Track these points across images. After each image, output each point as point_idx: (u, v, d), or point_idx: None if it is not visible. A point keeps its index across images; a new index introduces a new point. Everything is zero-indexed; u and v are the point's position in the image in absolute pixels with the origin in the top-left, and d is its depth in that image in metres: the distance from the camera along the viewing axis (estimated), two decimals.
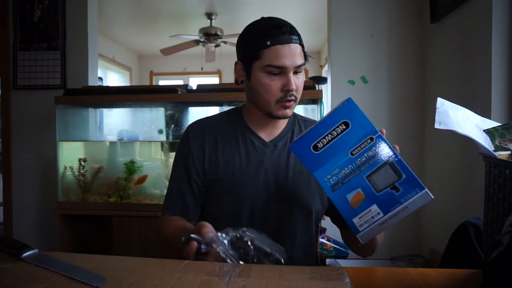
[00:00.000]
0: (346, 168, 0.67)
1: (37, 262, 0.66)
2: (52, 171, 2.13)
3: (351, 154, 0.67)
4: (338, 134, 0.67)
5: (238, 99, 1.85)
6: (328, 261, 2.04)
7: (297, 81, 0.93)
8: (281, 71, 0.90)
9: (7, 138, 2.41)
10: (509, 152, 0.81)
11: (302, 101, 1.96)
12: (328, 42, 2.29)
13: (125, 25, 4.96)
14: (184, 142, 1.02)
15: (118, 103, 2.14)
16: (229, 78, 6.71)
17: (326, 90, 2.37)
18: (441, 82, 1.92)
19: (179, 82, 6.76)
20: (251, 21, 0.97)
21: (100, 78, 5.01)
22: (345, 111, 0.67)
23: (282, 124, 1.02)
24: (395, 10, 2.15)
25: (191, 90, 2.07)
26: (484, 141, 0.85)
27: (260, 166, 0.96)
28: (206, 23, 4.46)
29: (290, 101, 0.92)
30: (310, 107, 2.03)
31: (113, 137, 2.31)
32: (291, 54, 0.89)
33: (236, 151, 0.98)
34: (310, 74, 6.32)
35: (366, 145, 0.67)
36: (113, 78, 5.92)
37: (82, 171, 2.07)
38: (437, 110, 0.85)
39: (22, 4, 2.34)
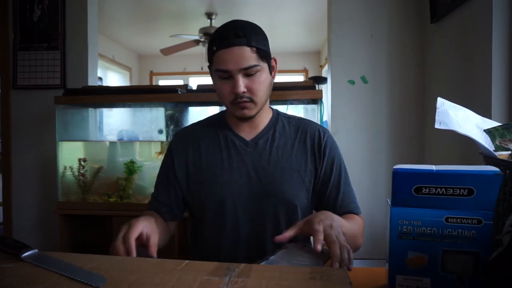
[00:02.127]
0: (429, 228, 0.59)
1: (37, 262, 0.66)
2: (52, 171, 2.13)
3: (446, 220, 0.58)
4: (451, 194, 0.57)
5: None
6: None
7: (250, 83, 0.92)
8: (229, 74, 0.91)
9: (7, 138, 2.41)
10: (509, 152, 0.81)
11: (302, 101, 1.96)
12: (328, 42, 2.29)
13: (125, 25, 4.96)
14: (168, 150, 1.07)
15: (118, 103, 2.14)
16: None
17: (326, 90, 2.37)
18: (441, 82, 1.92)
19: (179, 82, 6.76)
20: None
21: (100, 78, 5.01)
22: (483, 180, 0.56)
23: (262, 122, 1.03)
24: (395, 10, 2.15)
25: (191, 90, 2.07)
26: (484, 141, 0.85)
27: (241, 165, 0.99)
28: (206, 23, 4.46)
29: (243, 102, 0.93)
30: (310, 107, 2.03)
31: (113, 137, 2.31)
32: (234, 57, 0.89)
33: (218, 152, 1.01)
34: (310, 74, 6.33)
35: (468, 224, 0.57)
36: (113, 78, 5.92)
37: (82, 171, 2.07)
38: (437, 110, 0.85)
39: (22, 4, 2.34)
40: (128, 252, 0.75)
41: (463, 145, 1.63)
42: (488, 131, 0.85)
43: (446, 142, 1.83)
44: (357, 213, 1.01)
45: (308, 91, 1.87)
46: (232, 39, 0.89)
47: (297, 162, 1.00)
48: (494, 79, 1.40)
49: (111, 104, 2.19)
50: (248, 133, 1.02)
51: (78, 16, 2.35)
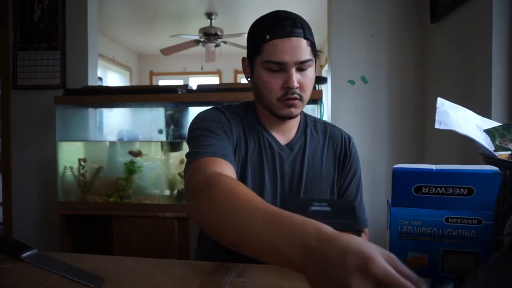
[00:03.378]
0: (429, 228, 0.58)
1: (37, 262, 0.66)
2: (52, 171, 2.13)
3: (446, 220, 0.58)
4: (451, 194, 0.57)
5: (238, 99, 1.85)
6: None
7: (302, 78, 0.86)
8: (282, 67, 0.84)
9: (7, 138, 2.41)
10: (509, 152, 0.81)
11: None
12: (328, 42, 2.29)
13: (125, 25, 4.96)
14: (220, 113, 0.93)
15: (118, 103, 2.14)
16: (229, 78, 6.71)
17: (326, 90, 2.37)
18: (441, 82, 1.91)
19: (179, 82, 6.76)
20: (251, 21, 0.94)
21: (100, 78, 5.01)
22: (483, 179, 0.56)
23: (295, 125, 0.98)
24: (395, 10, 2.15)
25: (191, 90, 2.07)
26: (484, 141, 0.85)
27: (277, 171, 0.93)
28: (206, 23, 4.46)
29: (293, 99, 0.86)
30: (310, 107, 2.03)
31: (113, 137, 2.31)
32: (292, 48, 0.82)
33: (260, 152, 0.93)
34: None
35: (468, 224, 0.57)
36: (113, 78, 5.92)
37: (82, 171, 2.07)
38: (437, 110, 0.85)
39: (22, 4, 2.34)
40: None
41: (463, 145, 1.63)
42: (488, 131, 0.85)
43: (446, 142, 1.83)
44: (364, 227, 0.96)
45: None
46: (290, 29, 0.82)
47: (327, 172, 0.96)
48: (494, 79, 1.39)
49: (111, 104, 2.20)
50: (282, 136, 0.96)
51: (78, 16, 2.34)
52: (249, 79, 0.94)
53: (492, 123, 0.88)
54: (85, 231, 2.17)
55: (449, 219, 0.58)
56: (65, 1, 2.33)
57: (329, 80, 2.28)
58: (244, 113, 0.96)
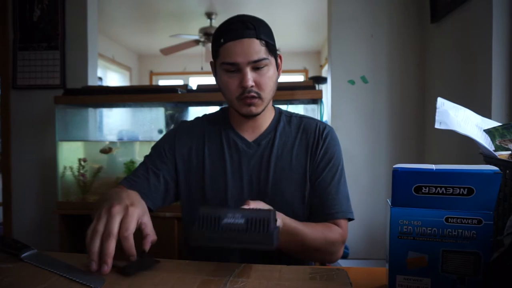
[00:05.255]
0: (429, 228, 0.58)
1: (37, 262, 0.66)
2: (52, 171, 2.13)
3: (446, 220, 0.58)
4: (451, 194, 0.57)
5: None
6: None
7: (258, 77, 0.89)
8: (236, 67, 0.88)
9: (7, 138, 2.40)
10: (509, 152, 0.81)
11: (302, 101, 1.96)
12: (328, 42, 2.29)
13: (125, 25, 4.96)
14: (170, 137, 1.02)
15: (118, 103, 2.14)
16: None
17: (326, 90, 2.37)
18: (441, 82, 1.91)
19: (179, 82, 6.76)
20: None
21: (100, 78, 5.01)
22: (482, 179, 0.56)
23: (265, 121, 1.00)
24: (395, 10, 2.15)
25: (191, 90, 2.07)
26: (484, 141, 0.84)
27: (243, 167, 0.97)
28: (206, 23, 4.46)
29: (250, 97, 0.89)
30: (310, 107, 2.03)
31: (113, 137, 2.31)
32: (244, 49, 0.86)
33: (220, 153, 0.99)
34: (310, 74, 6.33)
35: (468, 224, 0.57)
36: (113, 78, 5.92)
37: (81, 171, 2.06)
38: (437, 110, 0.85)
39: (22, 4, 2.34)
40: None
41: (463, 145, 1.63)
42: (488, 131, 0.85)
43: (446, 142, 1.83)
44: (338, 218, 0.94)
45: (308, 91, 1.87)
46: (241, 31, 0.87)
47: (298, 163, 0.97)
48: (494, 79, 1.40)
49: (111, 104, 2.19)
50: (250, 134, 1.00)
51: (78, 16, 2.35)
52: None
53: (492, 123, 0.88)
54: (85, 231, 2.17)
55: (449, 219, 0.58)
56: (65, 1, 2.33)
57: (329, 80, 2.28)
58: (213, 121, 1.04)
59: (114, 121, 2.42)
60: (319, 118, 1.90)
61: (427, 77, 2.11)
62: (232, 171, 0.97)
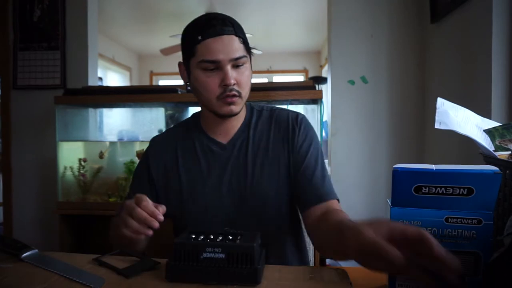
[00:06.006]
0: (429, 228, 0.58)
1: (37, 262, 0.66)
2: (52, 171, 2.13)
3: (446, 220, 0.58)
4: (451, 194, 0.57)
5: None
6: (328, 261, 2.04)
7: (238, 75, 0.86)
8: (217, 65, 0.85)
9: (7, 138, 2.41)
10: (509, 152, 0.81)
11: (302, 101, 1.96)
12: (328, 42, 2.29)
13: (125, 25, 4.96)
14: (144, 155, 1.01)
15: (118, 103, 2.14)
16: None
17: (326, 90, 2.37)
18: (441, 82, 1.91)
19: (179, 82, 6.76)
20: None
21: (100, 78, 5.01)
22: (482, 179, 0.56)
23: (238, 121, 0.97)
24: (395, 10, 2.15)
25: (191, 90, 2.07)
26: (484, 141, 0.85)
27: (220, 171, 0.93)
28: None
29: (231, 96, 0.86)
30: (310, 107, 2.03)
31: (113, 137, 2.31)
32: (224, 46, 0.84)
33: (195, 160, 0.95)
34: (310, 74, 6.33)
35: (468, 224, 0.57)
36: (113, 78, 5.92)
37: (82, 171, 2.07)
38: (437, 110, 0.85)
39: (22, 4, 2.34)
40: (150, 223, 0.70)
41: (463, 145, 1.63)
42: (488, 131, 0.85)
43: (446, 142, 1.83)
44: (333, 199, 0.90)
45: (308, 91, 1.88)
46: (221, 28, 0.84)
47: (275, 156, 0.94)
48: (494, 79, 1.40)
49: (111, 104, 2.19)
50: (224, 136, 0.96)
51: (78, 16, 2.35)
52: (188, 83, 0.95)
53: (492, 123, 0.88)
54: (85, 231, 2.17)
55: (449, 219, 0.58)
56: (65, 1, 2.33)
57: (329, 80, 2.28)
58: (184, 129, 1.00)
59: (114, 121, 2.42)
60: (319, 118, 1.90)
61: (427, 77, 2.11)
62: (209, 178, 0.93)
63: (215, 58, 0.84)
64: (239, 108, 0.90)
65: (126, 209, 0.73)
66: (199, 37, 0.84)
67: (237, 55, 0.85)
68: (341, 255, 0.68)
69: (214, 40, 0.84)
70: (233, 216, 0.92)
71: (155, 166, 0.97)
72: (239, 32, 0.87)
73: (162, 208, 0.72)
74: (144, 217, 0.70)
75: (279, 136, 0.95)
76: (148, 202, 0.72)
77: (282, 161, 0.94)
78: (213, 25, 0.84)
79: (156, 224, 0.69)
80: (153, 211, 0.70)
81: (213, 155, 0.95)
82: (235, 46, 0.85)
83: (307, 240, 1.14)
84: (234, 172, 0.93)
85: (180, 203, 0.94)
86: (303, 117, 0.98)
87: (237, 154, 0.94)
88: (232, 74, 0.85)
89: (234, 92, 0.86)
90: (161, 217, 0.70)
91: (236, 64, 0.86)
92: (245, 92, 0.89)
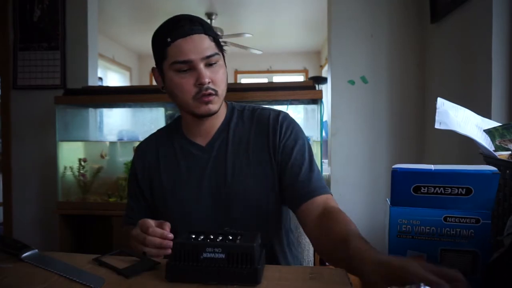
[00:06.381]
0: (428, 227, 0.59)
1: (37, 262, 0.66)
2: (52, 171, 2.13)
3: (445, 219, 0.58)
4: (450, 193, 0.58)
5: (238, 99, 1.85)
6: None
7: (212, 74, 0.86)
8: (189, 65, 0.84)
9: (7, 138, 2.41)
10: (509, 152, 0.81)
11: (302, 101, 1.96)
12: (328, 42, 2.29)
13: (125, 25, 4.96)
14: (132, 164, 1.03)
15: (118, 103, 2.14)
16: (229, 78, 6.70)
17: (326, 90, 2.37)
18: (441, 82, 1.91)
19: None
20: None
21: (100, 78, 5.01)
22: (481, 179, 0.56)
23: (217, 122, 0.95)
24: (395, 10, 2.15)
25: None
26: (484, 141, 0.85)
27: (201, 174, 0.92)
28: None
29: (208, 95, 0.85)
30: (310, 107, 2.03)
31: (113, 137, 2.31)
32: (195, 45, 0.83)
33: (176, 165, 0.95)
34: (310, 74, 6.33)
35: (467, 223, 0.57)
36: (113, 78, 5.92)
37: (82, 171, 2.06)
38: (437, 110, 0.85)
39: (22, 4, 2.34)
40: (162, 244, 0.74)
41: (463, 145, 1.62)
42: (488, 131, 0.85)
43: (446, 142, 1.83)
44: (324, 193, 0.86)
45: (308, 91, 1.87)
46: (189, 28, 0.84)
47: (256, 156, 0.91)
48: (494, 79, 1.39)
49: (111, 104, 2.19)
50: (203, 138, 0.95)
51: (78, 16, 2.34)
52: (163, 88, 0.93)
53: (492, 123, 0.88)
54: (85, 231, 2.17)
55: (448, 219, 0.58)
56: (65, 1, 2.33)
57: (329, 80, 2.28)
58: (165, 133, 1.01)
59: (114, 121, 2.42)
60: (319, 118, 1.90)
61: (427, 77, 2.11)
62: (189, 181, 0.93)
63: (186, 58, 0.83)
64: (217, 107, 0.89)
65: (137, 239, 0.76)
66: (169, 39, 0.84)
67: (209, 53, 0.84)
68: (348, 268, 0.65)
69: (184, 41, 0.83)
70: (215, 218, 0.91)
71: (140, 171, 0.99)
72: (208, 31, 0.86)
73: (167, 225, 0.75)
74: (159, 243, 0.74)
75: (260, 137, 0.93)
76: (153, 227, 0.75)
77: (264, 161, 0.91)
78: (181, 25, 0.84)
79: (170, 244, 0.72)
80: (162, 233, 0.74)
81: (193, 158, 0.94)
82: (206, 45, 0.84)
83: (305, 240, 1.14)
84: (213, 174, 0.92)
85: (165, 207, 0.95)
86: (285, 114, 0.96)
87: (216, 155, 0.93)
88: (206, 73, 0.84)
89: (210, 91, 0.85)
90: (171, 235, 0.73)
91: (209, 62, 0.85)
92: (221, 90, 0.88)
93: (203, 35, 0.85)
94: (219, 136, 0.94)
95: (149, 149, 1.00)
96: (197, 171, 0.93)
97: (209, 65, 0.86)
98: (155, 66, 0.93)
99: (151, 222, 0.76)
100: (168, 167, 0.96)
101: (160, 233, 0.73)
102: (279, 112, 0.97)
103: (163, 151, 0.98)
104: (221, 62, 0.89)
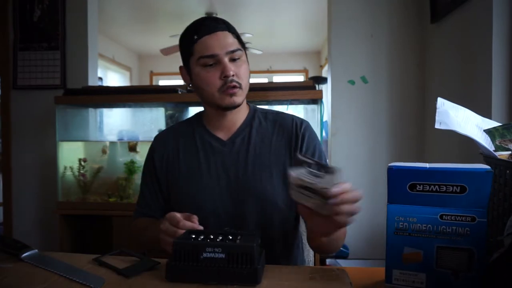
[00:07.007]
0: (424, 225, 0.60)
1: (37, 262, 0.66)
2: (52, 171, 2.13)
3: (441, 217, 0.59)
4: (445, 191, 0.58)
5: None
6: (328, 261, 2.04)
7: (236, 68, 0.91)
8: (215, 60, 0.90)
9: (7, 138, 2.41)
10: (510, 152, 0.81)
11: (302, 101, 1.96)
12: (328, 42, 2.29)
13: (125, 25, 4.97)
14: (149, 151, 1.06)
15: (118, 103, 2.14)
16: None
17: (326, 90, 2.37)
18: (441, 82, 1.91)
19: (179, 82, 6.75)
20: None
21: (100, 78, 5.01)
22: (474, 177, 0.57)
23: (239, 119, 1.00)
24: (395, 10, 2.15)
25: (191, 90, 2.06)
26: (484, 141, 0.84)
27: (219, 167, 0.96)
28: None
29: (232, 87, 0.90)
30: (310, 107, 2.03)
31: (113, 137, 2.31)
32: (219, 41, 0.90)
33: (195, 155, 0.99)
34: (310, 74, 6.33)
35: (463, 221, 0.58)
36: (113, 78, 5.92)
37: (82, 171, 2.07)
38: (437, 110, 0.85)
39: (22, 4, 2.34)
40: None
41: (463, 145, 1.63)
42: (488, 131, 0.85)
43: (446, 142, 1.83)
44: None
45: (308, 91, 1.87)
46: (214, 25, 0.91)
47: (276, 159, 0.96)
48: (494, 79, 1.40)
49: (111, 104, 2.19)
50: (225, 133, 0.99)
51: (78, 16, 2.34)
52: (190, 85, 0.99)
53: (492, 123, 0.88)
54: (85, 231, 2.17)
55: (444, 216, 0.59)
56: (65, 1, 2.33)
57: (329, 80, 2.28)
58: (186, 125, 1.05)
59: (114, 121, 2.42)
60: (319, 118, 1.90)
61: (427, 77, 2.11)
62: (208, 173, 0.96)
63: (212, 53, 0.89)
64: (241, 99, 0.94)
65: (167, 233, 0.75)
66: (195, 37, 0.91)
67: (232, 48, 0.91)
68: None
69: (209, 37, 0.90)
70: (228, 212, 0.94)
71: (158, 159, 1.02)
72: (231, 29, 0.94)
73: (195, 218, 0.77)
74: None
75: (282, 140, 0.98)
76: (183, 220, 0.76)
77: (284, 163, 0.96)
78: (206, 24, 0.91)
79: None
80: (192, 226, 0.75)
81: (213, 150, 0.98)
82: (230, 41, 0.91)
83: (306, 241, 1.14)
84: (232, 168, 0.96)
85: (179, 196, 0.98)
86: (308, 124, 1.02)
87: (236, 151, 0.97)
88: (230, 66, 0.90)
89: (234, 83, 0.90)
90: (201, 228, 0.75)
91: (233, 57, 0.91)
92: (245, 84, 0.94)
93: (226, 32, 0.92)
94: (241, 133, 0.99)
95: (169, 139, 1.04)
96: (215, 163, 0.97)
97: (233, 60, 0.92)
98: (181, 65, 0.99)
99: (180, 216, 0.76)
100: (187, 157, 0.99)
101: (190, 226, 0.74)
102: (302, 120, 1.03)
103: (183, 141, 1.02)
104: (244, 58, 0.94)
